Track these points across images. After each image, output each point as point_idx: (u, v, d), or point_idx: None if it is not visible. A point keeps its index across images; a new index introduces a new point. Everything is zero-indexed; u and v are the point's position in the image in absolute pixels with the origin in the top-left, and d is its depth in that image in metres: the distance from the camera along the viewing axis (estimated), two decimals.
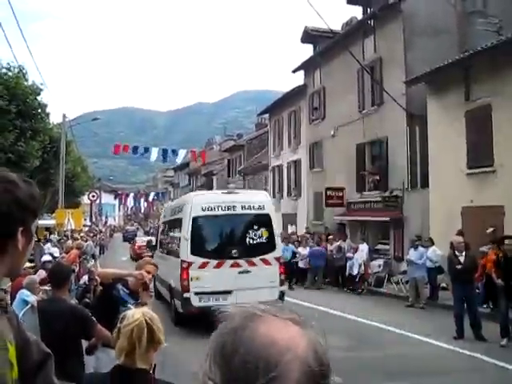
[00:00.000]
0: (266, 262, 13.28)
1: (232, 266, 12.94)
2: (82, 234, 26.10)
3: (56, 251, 17.32)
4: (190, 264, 12.81)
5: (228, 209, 13.34)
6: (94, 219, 57.71)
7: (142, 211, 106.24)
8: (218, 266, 12.93)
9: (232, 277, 12.70)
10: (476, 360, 9.56)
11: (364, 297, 18.93)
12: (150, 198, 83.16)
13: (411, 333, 11.93)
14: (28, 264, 12.33)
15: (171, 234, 16.37)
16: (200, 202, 13.49)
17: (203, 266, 12.86)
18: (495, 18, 19.43)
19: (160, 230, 19.56)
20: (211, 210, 13.29)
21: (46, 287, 8.93)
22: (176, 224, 15.09)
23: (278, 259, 13.63)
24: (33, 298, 7.22)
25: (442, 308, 14.98)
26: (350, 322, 13.78)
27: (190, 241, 12.98)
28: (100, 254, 36.08)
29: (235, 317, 1.00)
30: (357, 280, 19.92)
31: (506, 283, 10.78)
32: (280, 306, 1.03)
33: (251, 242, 13.39)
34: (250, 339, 0.94)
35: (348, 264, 20.29)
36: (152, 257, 15.67)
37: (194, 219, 13.19)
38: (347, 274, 20.35)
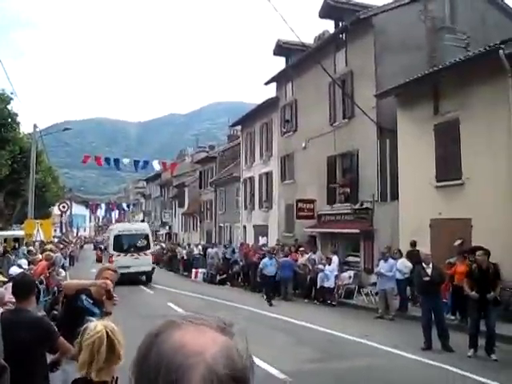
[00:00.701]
0: (145, 254, 28.34)
1: (131, 255, 27.65)
2: (50, 246, 25.71)
3: (24, 262, 17.03)
4: (112, 255, 27.96)
5: (129, 231, 29.68)
6: (64, 230, 57.06)
7: (114, 222, 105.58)
8: (125, 255, 27.60)
9: (131, 260, 27.15)
10: (443, 371, 9.63)
11: (334, 308, 18.98)
12: (124, 209, 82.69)
13: (380, 344, 11.99)
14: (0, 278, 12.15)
15: (108, 242, 31.85)
16: (117, 228, 31.19)
17: (118, 255, 27.49)
18: (463, 34, 19.83)
19: (107, 240, 38.84)
20: (122, 231, 29.64)
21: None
22: (107, 238, 32.04)
23: (151, 253, 29.54)
24: None
25: (411, 319, 15.09)
26: (320, 334, 13.80)
27: (112, 245, 28.85)
28: (70, 265, 35.63)
29: (156, 325, 1.02)
30: (333, 292, 19.98)
31: (479, 294, 10.80)
32: (204, 315, 1.05)
33: (139, 245, 28.40)
34: (162, 343, 0.96)
35: (319, 276, 20.31)
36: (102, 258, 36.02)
37: (115, 236, 29.15)
38: (318, 286, 20.37)
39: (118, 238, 28.87)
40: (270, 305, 19.89)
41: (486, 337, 10.69)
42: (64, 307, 6.07)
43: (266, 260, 21.82)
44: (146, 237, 29.14)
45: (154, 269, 29.37)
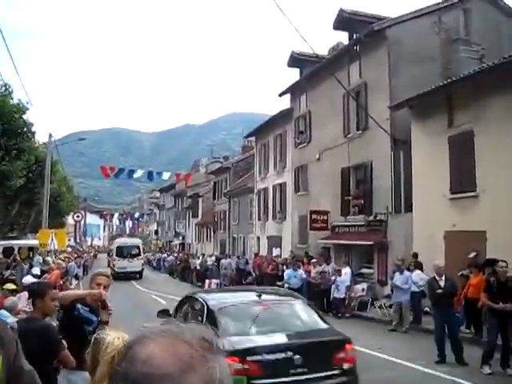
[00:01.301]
0: (137, 259, 41.68)
1: (127, 260, 40.73)
2: (65, 255, 25.86)
3: (37, 270, 17.15)
4: (115, 259, 42.22)
5: (126, 243, 44.48)
6: (78, 239, 57.47)
7: (127, 232, 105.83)
8: (123, 259, 40.72)
9: (127, 263, 40.38)
10: None
11: (347, 320, 18.86)
12: (138, 219, 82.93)
13: (394, 357, 11.90)
14: (13, 286, 12.22)
15: (113, 251, 44.99)
16: (119, 241, 47.33)
17: (119, 260, 41.06)
18: (478, 45, 19.78)
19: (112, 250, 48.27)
20: (122, 244, 44.29)
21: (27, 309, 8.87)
22: (113, 248, 46.54)
23: (141, 258, 43.18)
24: (12, 320, 7.16)
25: (425, 332, 14.97)
26: None
27: (115, 253, 42.46)
28: (83, 274, 35.77)
29: (132, 338, 1.06)
30: (345, 304, 19.88)
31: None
32: (184, 327, 1.06)
33: (133, 253, 41.18)
34: (131, 357, 0.98)
35: (332, 288, 20.23)
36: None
37: (117, 247, 43.56)
38: (331, 297, 20.27)
39: (118, 248, 43.11)
40: None
41: (502, 350, 10.51)
42: (61, 318, 6.07)
43: (289, 272, 20.93)
44: (138, 247, 43.20)
45: (143, 269, 42.61)
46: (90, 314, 5.55)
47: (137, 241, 47.37)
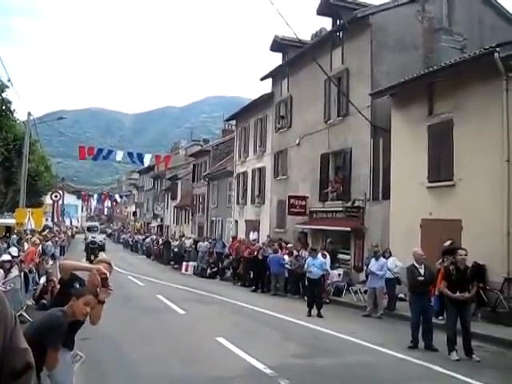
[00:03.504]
0: (98, 233, 54.16)
1: (92, 234, 49.05)
2: (44, 233, 25.63)
3: (15, 250, 17.01)
4: (86, 233, 55.92)
5: (92, 225, 64.93)
6: (56, 220, 57.14)
7: (106, 213, 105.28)
8: (90, 233, 51.40)
9: (92, 235, 47.84)
10: (428, 369, 9.68)
11: (323, 305, 19.01)
12: (116, 200, 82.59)
13: (367, 342, 12.02)
14: None
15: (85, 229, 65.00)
16: (88, 224, 71.23)
17: (88, 233, 52.11)
18: (460, 35, 19.90)
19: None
20: (89, 225, 64.93)
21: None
22: (85, 228, 69.15)
23: (99, 232, 58.72)
24: None
25: (399, 318, 15.18)
26: (307, 330, 13.83)
27: (86, 230, 61.55)
28: (60, 254, 35.58)
29: None
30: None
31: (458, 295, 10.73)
32: None
33: (95, 229, 58.17)
34: None
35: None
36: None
37: (87, 227, 63.89)
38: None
39: (88, 228, 61.40)
40: (309, 315, 16.39)
41: (463, 336, 10.63)
42: (58, 291, 5.92)
43: (309, 260, 17.89)
44: (97, 227, 63.16)
45: (105, 239, 54.01)
46: None
47: (97, 224, 72.91)
